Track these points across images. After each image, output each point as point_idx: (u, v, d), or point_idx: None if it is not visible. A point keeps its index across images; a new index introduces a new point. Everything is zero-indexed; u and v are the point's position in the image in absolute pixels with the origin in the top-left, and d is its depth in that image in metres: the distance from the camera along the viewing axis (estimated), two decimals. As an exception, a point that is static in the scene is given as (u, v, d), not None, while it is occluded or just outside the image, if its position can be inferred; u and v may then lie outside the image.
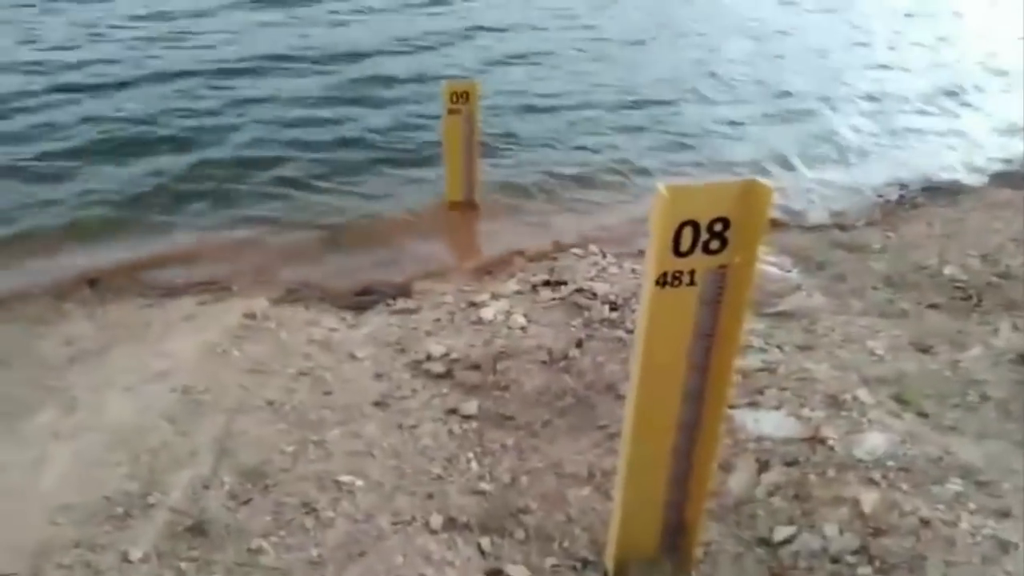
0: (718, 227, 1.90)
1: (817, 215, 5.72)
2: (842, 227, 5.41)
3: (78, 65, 8.24)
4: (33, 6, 10.63)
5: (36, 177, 5.81)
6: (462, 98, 5.17)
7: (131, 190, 5.65)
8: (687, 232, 1.89)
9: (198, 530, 2.58)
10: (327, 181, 6.00)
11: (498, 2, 10.98)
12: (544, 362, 3.46)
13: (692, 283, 1.96)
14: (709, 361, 2.10)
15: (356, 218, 5.51)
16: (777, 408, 3.00)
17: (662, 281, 1.94)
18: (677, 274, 1.94)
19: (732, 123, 7.52)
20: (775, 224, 5.48)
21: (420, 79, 8.18)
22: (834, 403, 2.98)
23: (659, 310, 1.99)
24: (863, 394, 3.02)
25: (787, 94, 8.36)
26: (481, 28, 10.08)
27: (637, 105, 7.92)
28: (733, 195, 1.87)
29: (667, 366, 2.09)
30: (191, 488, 2.75)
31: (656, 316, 2.00)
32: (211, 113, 7.16)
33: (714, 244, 1.92)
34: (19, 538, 2.57)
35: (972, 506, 2.39)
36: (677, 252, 1.91)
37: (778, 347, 3.49)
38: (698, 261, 1.93)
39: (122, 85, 7.67)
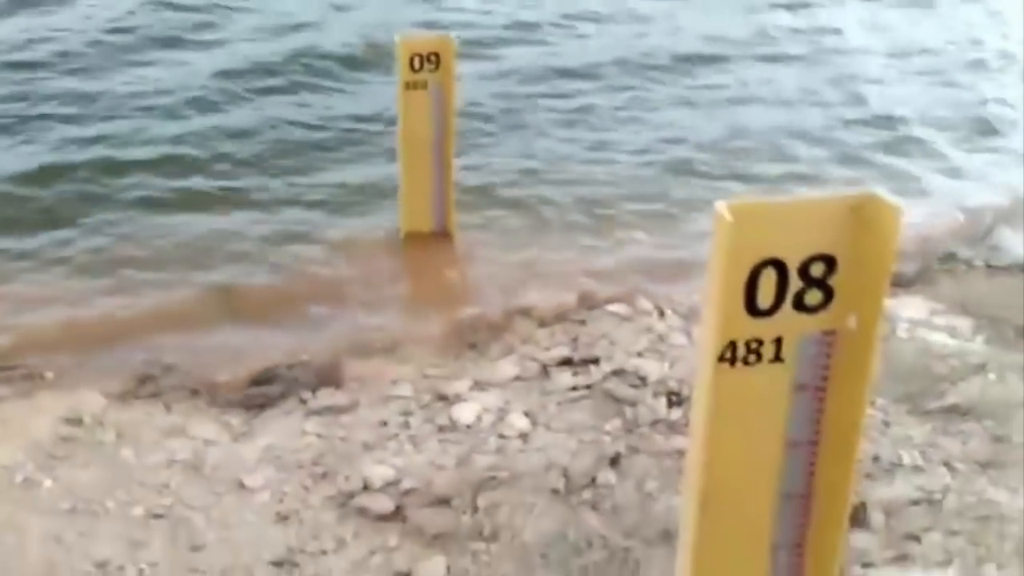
0: (818, 270, 1.99)
1: (1016, 249, 5.83)
2: (1057, 269, 5.52)
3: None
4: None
5: None
6: (429, 62, 5.35)
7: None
8: (767, 278, 1.97)
9: None
10: (212, 204, 6.25)
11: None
12: (557, 492, 3.51)
13: (778, 359, 2.04)
14: (811, 487, 2.16)
15: (256, 263, 5.67)
16: (942, 565, 3.05)
17: (729, 356, 2.02)
18: (753, 345, 2.02)
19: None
20: (946, 262, 5.61)
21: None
22: (1036, 557, 3.03)
23: (726, 402, 2.06)
24: (1082, 542, 3.07)
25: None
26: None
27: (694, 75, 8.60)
28: (839, 219, 1.96)
29: (742, 497, 2.15)
30: None
31: (722, 412, 2.07)
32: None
33: (812, 297, 2.01)
34: None
35: None
36: (753, 310, 1.99)
37: (946, 464, 3.55)
38: (787, 324, 2.01)
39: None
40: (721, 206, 1.90)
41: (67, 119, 7.40)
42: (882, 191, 1.91)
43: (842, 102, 8.61)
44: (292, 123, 7.53)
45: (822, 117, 8.23)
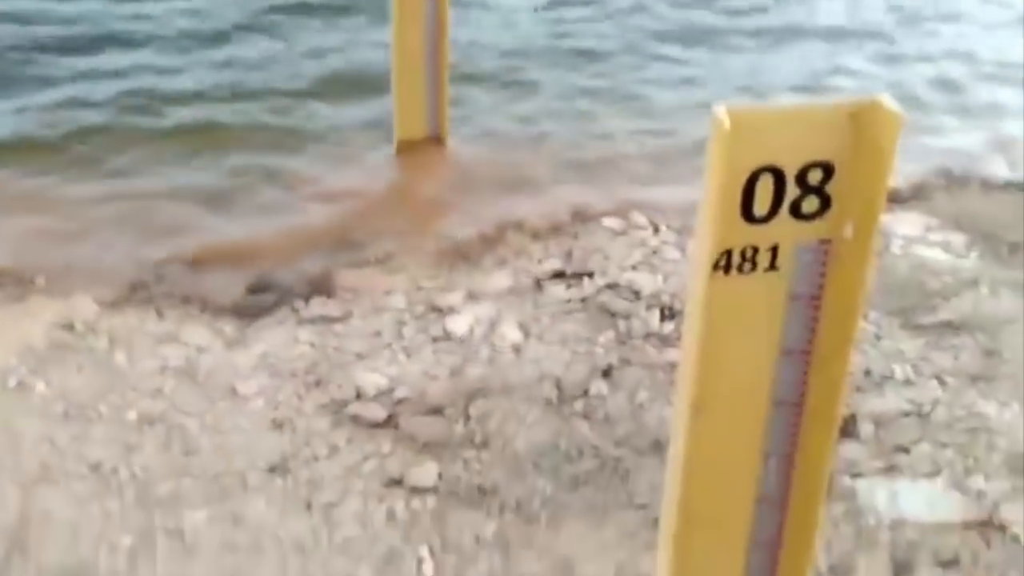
0: (815, 178, 1.97)
1: (1011, 167, 5.83)
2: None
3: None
4: None
5: None
6: (423, -32, 5.29)
7: None
8: (764, 185, 1.96)
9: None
10: (206, 111, 6.23)
11: None
12: (549, 402, 3.55)
13: (774, 267, 2.03)
14: (803, 395, 2.17)
15: (249, 170, 5.66)
16: (930, 476, 3.10)
17: (724, 264, 2.01)
18: (749, 253, 2.01)
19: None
20: (943, 179, 5.60)
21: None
22: None
23: (720, 312, 2.05)
24: (1071, 455, 3.11)
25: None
26: None
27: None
28: (839, 125, 1.93)
29: (734, 405, 2.16)
30: (-37, 606, 2.84)
31: (715, 322, 2.06)
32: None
33: (809, 204, 1.99)
34: None
35: None
36: (749, 218, 1.98)
37: (937, 378, 3.59)
38: (783, 232, 1.99)
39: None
40: (720, 111, 1.87)
41: (66, 50, 7.30)
42: (884, 97, 1.89)
43: (883, 36, 8.41)
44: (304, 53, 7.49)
45: (856, 52, 8.07)
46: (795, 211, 1.97)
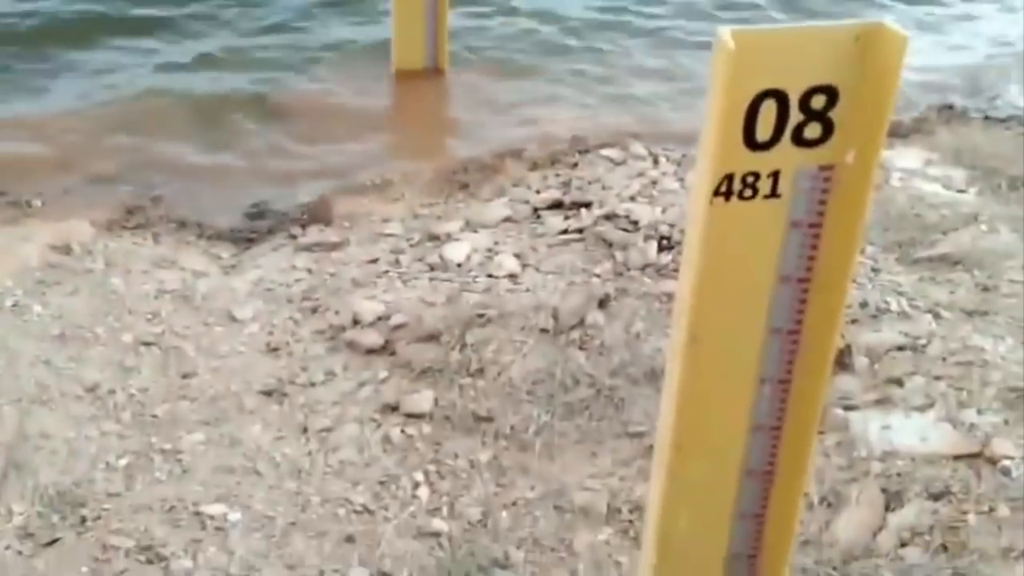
0: (818, 103, 1.94)
1: (1013, 100, 5.79)
2: (1054, 120, 5.50)
3: None
4: None
5: None
6: None
7: None
8: (767, 110, 1.93)
9: (-30, 590, 2.68)
10: (203, 39, 6.23)
11: None
12: (545, 331, 3.54)
13: (775, 194, 2.01)
14: (801, 323, 2.16)
15: (246, 96, 5.66)
16: (923, 409, 3.10)
17: (725, 190, 1.99)
18: (750, 179, 1.99)
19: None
20: (943, 112, 5.58)
21: None
22: (1017, 403, 3.07)
23: (720, 238, 2.03)
24: (1064, 389, 3.11)
25: None
26: None
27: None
28: (843, 49, 1.90)
29: (731, 332, 2.15)
30: (-39, 522, 2.84)
31: (714, 248, 2.05)
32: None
33: (811, 131, 1.97)
34: None
35: None
36: (751, 143, 1.96)
37: (932, 312, 3.58)
38: (785, 158, 1.97)
39: None
40: (724, 33, 1.84)
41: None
42: (888, 20, 1.86)
43: None
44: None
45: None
46: (797, 137, 1.95)
